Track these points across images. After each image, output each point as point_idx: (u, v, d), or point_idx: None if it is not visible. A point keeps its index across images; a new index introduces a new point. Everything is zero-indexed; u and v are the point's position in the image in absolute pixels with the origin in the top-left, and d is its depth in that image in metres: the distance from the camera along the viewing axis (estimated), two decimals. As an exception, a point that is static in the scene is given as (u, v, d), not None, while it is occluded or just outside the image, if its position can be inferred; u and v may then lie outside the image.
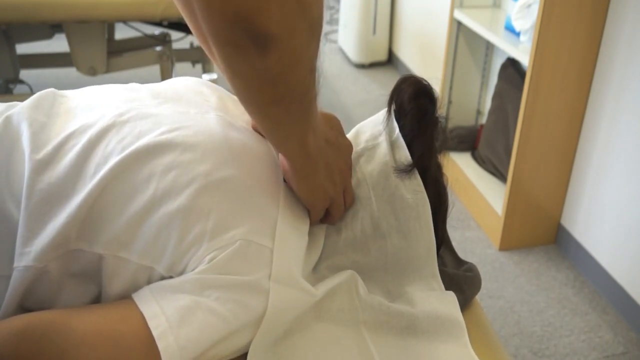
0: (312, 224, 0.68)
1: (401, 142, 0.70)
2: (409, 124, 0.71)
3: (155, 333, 0.55)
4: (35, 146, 0.60)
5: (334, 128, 0.69)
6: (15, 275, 0.57)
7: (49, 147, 0.60)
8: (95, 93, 0.70)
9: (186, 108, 0.68)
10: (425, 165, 0.70)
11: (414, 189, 0.69)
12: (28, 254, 0.57)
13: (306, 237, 0.66)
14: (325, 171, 0.65)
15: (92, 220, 0.58)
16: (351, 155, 0.71)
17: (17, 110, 0.64)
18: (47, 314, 0.57)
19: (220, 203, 0.60)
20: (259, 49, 0.47)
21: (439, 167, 0.74)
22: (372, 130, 0.73)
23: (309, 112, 0.58)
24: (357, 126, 0.76)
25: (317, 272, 0.69)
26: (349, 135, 0.75)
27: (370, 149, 0.71)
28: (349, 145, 0.70)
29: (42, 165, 0.59)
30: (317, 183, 0.65)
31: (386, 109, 0.73)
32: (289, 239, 0.63)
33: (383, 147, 0.70)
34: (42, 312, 0.57)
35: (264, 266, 0.60)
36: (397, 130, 0.71)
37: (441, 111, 0.72)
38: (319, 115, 0.64)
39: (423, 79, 0.71)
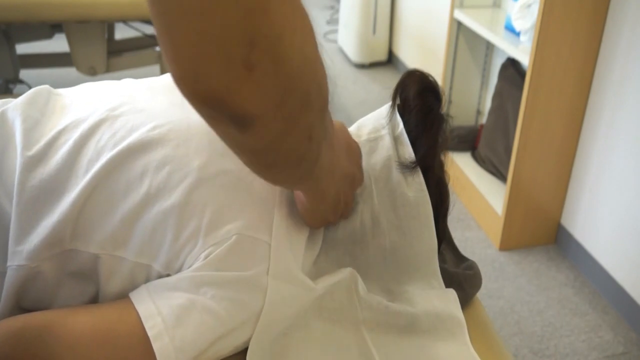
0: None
1: (405, 138, 0.70)
2: (413, 120, 0.70)
3: (150, 334, 0.55)
4: (28, 142, 0.60)
5: (354, 162, 0.67)
6: (9, 274, 0.57)
7: (41, 143, 0.60)
8: (90, 90, 0.70)
9: (180, 101, 0.67)
10: (429, 164, 0.70)
11: (416, 187, 0.68)
12: (20, 252, 0.57)
13: (306, 230, 0.66)
14: (332, 204, 0.64)
15: (85, 218, 0.58)
16: (359, 185, 0.69)
17: (11, 106, 0.64)
18: (43, 315, 0.57)
19: (216, 197, 0.59)
20: (238, 126, 0.41)
21: (441, 165, 0.73)
22: (374, 123, 0.72)
23: (311, 173, 0.53)
24: (359, 120, 0.76)
25: (316, 264, 0.69)
26: (350, 129, 0.74)
27: (373, 140, 0.70)
28: (361, 179, 0.69)
29: (34, 162, 0.58)
30: (321, 215, 0.64)
31: (389, 103, 0.73)
32: (288, 233, 0.62)
33: (386, 141, 0.70)
34: (38, 313, 0.57)
35: (262, 261, 0.59)
36: (401, 125, 0.70)
37: (444, 109, 0.72)
38: (343, 144, 0.62)
39: (429, 74, 0.71)
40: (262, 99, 0.39)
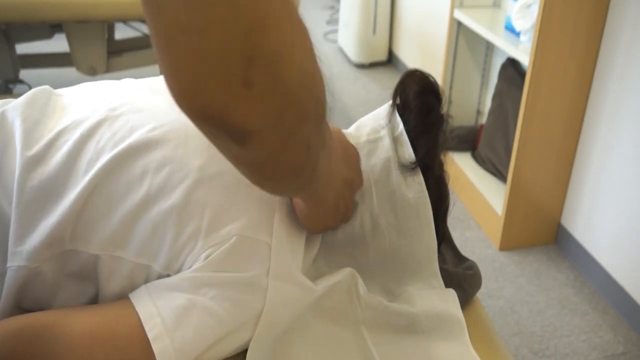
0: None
1: (405, 138, 0.69)
2: (413, 120, 0.70)
3: (150, 335, 0.55)
4: (28, 142, 0.59)
5: (352, 167, 0.68)
6: (9, 275, 0.57)
7: (41, 144, 0.60)
8: (90, 90, 0.70)
9: None
10: (429, 164, 0.70)
11: (416, 188, 0.68)
12: (20, 253, 0.57)
13: (305, 231, 0.66)
14: (332, 211, 0.64)
15: (85, 219, 0.57)
16: (359, 189, 0.69)
17: (11, 106, 0.64)
18: (43, 316, 0.56)
19: (215, 198, 0.59)
20: (237, 142, 0.41)
21: (441, 165, 0.73)
22: (373, 124, 0.72)
23: (310, 182, 0.53)
24: (359, 121, 0.76)
25: (315, 266, 0.69)
26: (349, 130, 0.74)
27: (372, 142, 0.70)
28: (360, 183, 0.69)
29: (34, 162, 0.58)
30: (321, 221, 0.64)
31: (389, 103, 0.72)
32: (288, 234, 0.62)
33: (385, 142, 0.70)
34: (38, 314, 0.57)
35: (262, 262, 0.59)
36: (400, 125, 0.70)
37: (444, 109, 0.71)
38: (341, 149, 0.62)
39: (429, 74, 0.70)
40: (260, 115, 0.39)
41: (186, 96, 0.38)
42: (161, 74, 0.39)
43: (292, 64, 0.39)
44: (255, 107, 0.38)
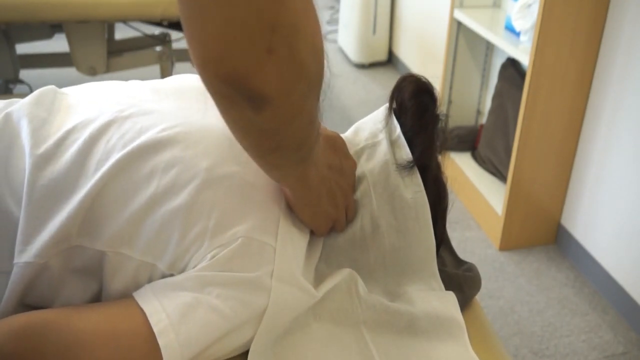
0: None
1: (402, 141, 0.70)
2: (409, 121, 0.71)
3: (156, 329, 0.55)
4: (36, 141, 0.60)
5: (337, 150, 0.69)
6: (15, 271, 0.57)
7: (49, 142, 0.60)
8: (96, 89, 0.70)
9: (188, 104, 0.68)
10: (426, 163, 0.70)
11: (414, 189, 0.69)
12: (29, 250, 0.57)
13: (308, 235, 0.66)
14: (327, 197, 0.65)
15: (93, 216, 0.58)
16: (354, 173, 0.70)
17: (17, 107, 0.64)
18: (47, 313, 0.57)
19: (222, 200, 0.59)
20: (254, 107, 0.45)
21: (438, 165, 0.74)
22: (371, 128, 0.73)
23: (309, 155, 0.57)
24: (357, 124, 0.76)
25: (317, 269, 0.69)
26: (348, 133, 0.75)
27: (371, 147, 0.71)
28: (352, 166, 0.70)
29: (43, 161, 0.59)
30: (319, 210, 0.65)
31: (386, 105, 0.73)
32: (292, 237, 0.62)
33: (383, 146, 0.70)
34: (42, 311, 0.57)
35: (266, 264, 0.60)
36: (398, 129, 0.71)
37: (441, 110, 0.72)
38: (322, 138, 0.63)
39: (423, 77, 0.71)
40: (278, 81, 0.44)
41: (214, 63, 0.43)
42: (187, 44, 0.44)
43: (306, 35, 0.44)
44: (275, 72, 0.43)
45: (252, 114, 0.46)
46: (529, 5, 1.80)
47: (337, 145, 0.69)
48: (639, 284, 1.63)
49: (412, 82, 0.71)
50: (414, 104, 0.71)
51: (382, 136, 0.71)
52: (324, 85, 0.51)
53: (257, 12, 0.40)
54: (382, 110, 0.74)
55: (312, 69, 0.46)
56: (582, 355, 1.56)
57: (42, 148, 0.59)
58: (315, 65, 0.46)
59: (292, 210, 0.64)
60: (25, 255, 0.57)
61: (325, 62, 0.48)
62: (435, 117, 0.71)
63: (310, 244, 0.68)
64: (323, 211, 0.65)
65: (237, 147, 0.63)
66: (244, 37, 0.41)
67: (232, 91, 0.44)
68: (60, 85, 0.73)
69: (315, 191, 0.63)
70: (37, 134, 0.60)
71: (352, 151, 0.71)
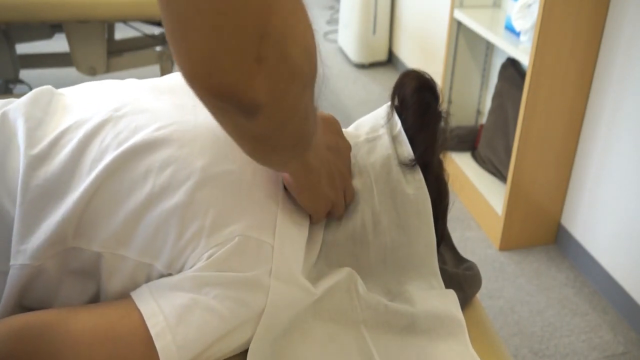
0: (313, 224, 0.68)
1: (403, 137, 0.70)
2: (411, 118, 0.71)
3: (153, 332, 0.55)
4: (31, 142, 0.60)
5: (333, 131, 0.69)
6: (12, 273, 0.57)
7: (44, 143, 0.60)
8: (93, 89, 0.70)
9: (183, 101, 0.67)
10: (427, 161, 0.70)
11: (415, 185, 0.68)
12: (24, 251, 0.57)
13: (306, 232, 0.66)
14: (326, 179, 0.65)
15: (89, 217, 0.58)
16: (350, 154, 0.70)
17: (13, 106, 0.64)
18: (44, 314, 0.56)
19: (219, 198, 0.59)
20: (246, 115, 0.44)
21: (440, 163, 0.73)
22: (372, 123, 0.73)
23: (308, 145, 0.56)
24: (358, 120, 0.76)
25: (316, 267, 0.69)
26: (349, 129, 0.74)
27: (371, 140, 0.71)
28: (348, 147, 0.70)
29: (38, 161, 0.59)
30: (319, 192, 0.64)
31: (388, 104, 0.73)
32: (290, 235, 0.62)
33: (385, 140, 0.70)
34: (39, 312, 0.57)
35: (264, 262, 0.59)
36: (399, 125, 0.71)
37: (443, 107, 0.72)
38: (319, 121, 0.63)
39: (425, 72, 0.71)
40: (270, 89, 0.42)
41: (201, 77, 0.41)
42: (174, 59, 0.42)
43: (296, 38, 0.42)
44: (266, 81, 0.41)
45: (246, 122, 0.45)
46: (529, 5, 1.80)
47: (332, 126, 0.69)
48: (639, 284, 1.63)
49: (414, 78, 0.71)
50: (416, 100, 0.70)
51: (383, 131, 0.71)
52: (318, 78, 0.49)
53: (243, 21, 0.38)
54: (384, 108, 0.74)
55: (305, 69, 0.44)
56: (582, 355, 1.56)
57: (37, 148, 0.59)
58: (308, 65, 0.44)
59: (291, 195, 0.64)
60: (21, 257, 0.57)
61: (318, 57, 0.47)
62: (438, 115, 0.70)
63: (309, 241, 0.67)
64: (322, 193, 0.65)
65: (233, 145, 0.63)
66: (231, 48, 0.39)
67: (223, 103, 0.42)
68: (60, 85, 0.73)
69: (315, 173, 0.63)
70: (32, 134, 0.60)
71: (352, 142, 0.71)
